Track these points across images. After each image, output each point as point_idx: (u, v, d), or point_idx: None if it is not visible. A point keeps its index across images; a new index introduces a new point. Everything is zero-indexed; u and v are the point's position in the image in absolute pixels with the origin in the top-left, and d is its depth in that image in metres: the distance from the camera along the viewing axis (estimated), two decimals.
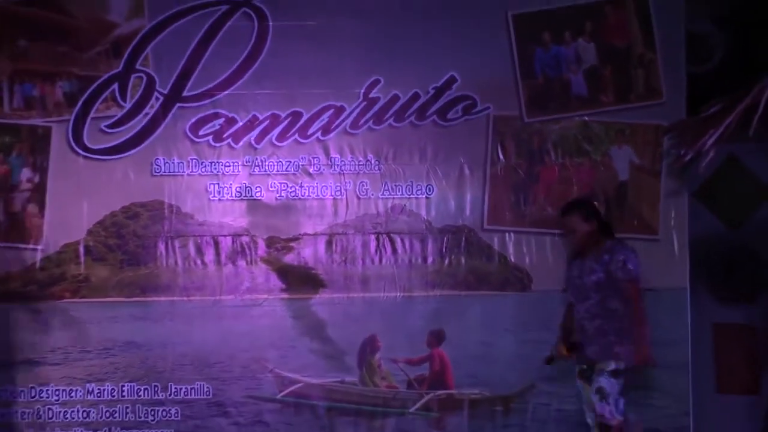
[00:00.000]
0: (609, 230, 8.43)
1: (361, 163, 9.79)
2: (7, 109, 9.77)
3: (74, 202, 9.69)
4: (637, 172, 9.82)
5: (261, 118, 9.76)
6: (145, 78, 9.73)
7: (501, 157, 9.79)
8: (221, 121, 9.75)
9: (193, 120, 9.74)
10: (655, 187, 9.77)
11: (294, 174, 9.80)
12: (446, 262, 9.76)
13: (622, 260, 8.14)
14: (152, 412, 9.60)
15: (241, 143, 9.76)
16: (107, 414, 9.59)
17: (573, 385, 9.05)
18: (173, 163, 9.74)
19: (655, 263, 9.45)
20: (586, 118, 9.82)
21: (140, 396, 9.61)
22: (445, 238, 9.76)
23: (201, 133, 9.74)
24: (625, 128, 9.81)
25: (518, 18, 9.77)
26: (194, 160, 9.75)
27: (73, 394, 9.60)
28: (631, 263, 8.16)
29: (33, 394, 9.59)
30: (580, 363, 8.28)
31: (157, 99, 9.73)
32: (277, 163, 9.78)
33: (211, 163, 9.76)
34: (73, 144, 9.69)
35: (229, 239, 9.79)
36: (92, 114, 9.71)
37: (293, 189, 9.79)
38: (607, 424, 8.05)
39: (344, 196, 9.77)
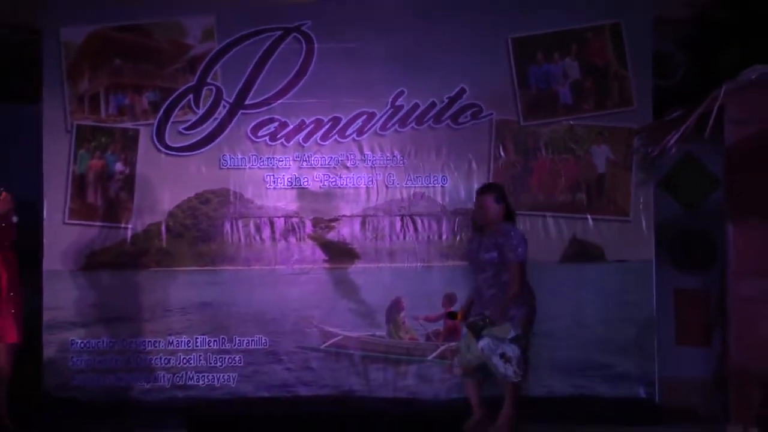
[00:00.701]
0: (511, 216, 8.56)
1: (388, 158, 9.96)
2: (103, 115, 9.90)
3: (157, 189, 9.90)
4: (612, 166, 9.91)
5: (308, 122, 9.92)
6: (214, 90, 9.93)
7: (502, 154, 9.90)
8: (276, 124, 9.92)
9: (253, 124, 9.91)
10: (627, 178, 9.88)
11: (334, 167, 9.96)
12: (458, 238, 9.86)
13: (515, 245, 8.28)
14: (220, 359, 9.80)
15: (291, 142, 9.94)
16: (184, 361, 9.78)
17: (560, 336, 9.64)
18: (237, 158, 9.92)
19: (626, 240, 9.83)
20: (571, 122, 9.93)
21: (210, 346, 9.80)
22: (457, 219, 9.89)
23: (259, 134, 9.92)
24: (603, 130, 9.92)
25: (516, 41, 9.88)
26: (254, 156, 9.94)
27: (157, 344, 9.79)
28: (521, 248, 8.30)
29: (125, 345, 9.78)
30: (476, 316, 8.33)
31: (224, 107, 9.91)
32: (321, 158, 9.96)
33: (267, 158, 9.94)
34: (157, 143, 9.90)
35: (282, 220, 9.94)
36: (172, 119, 9.92)
37: (334, 179, 9.96)
38: (511, 381, 8.19)
39: (375, 185, 9.93)
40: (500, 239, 8.32)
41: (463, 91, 9.93)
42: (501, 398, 8.37)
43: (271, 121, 9.97)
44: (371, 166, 9.99)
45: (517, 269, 8.29)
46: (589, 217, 9.90)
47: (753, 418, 8.68)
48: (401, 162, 9.99)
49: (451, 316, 8.73)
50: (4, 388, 8.97)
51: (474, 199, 8.78)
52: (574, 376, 9.75)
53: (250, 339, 9.85)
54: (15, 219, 8.94)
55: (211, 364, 9.83)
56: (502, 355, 8.19)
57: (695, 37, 10.58)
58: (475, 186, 9.73)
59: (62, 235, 9.84)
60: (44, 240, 9.79)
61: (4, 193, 8.89)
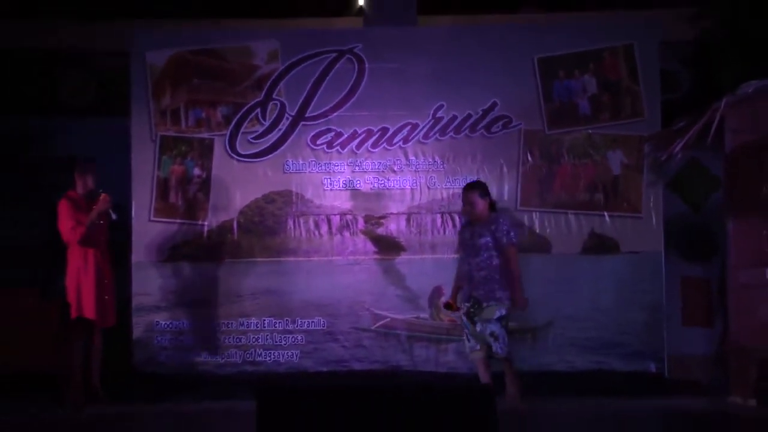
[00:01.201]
0: (494, 207, 8.59)
1: (430, 163, 9.99)
2: (183, 127, 10.00)
3: (230, 191, 9.97)
4: (626, 169, 9.92)
5: (360, 132, 9.99)
6: (279, 104, 10.00)
7: (529, 159, 9.95)
8: (332, 134, 9.99)
9: (312, 134, 9.98)
10: (639, 180, 9.89)
11: (383, 171, 10.01)
12: None
13: (506, 230, 8.36)
14: (284, 338, 9.89)
15: (346, 150, 10.00)
16: (253, 340, 9.86)
17: (581, 318, 9.75)
18: (298, 164, 9.99)
19: (639, 234, 9.86)
20: (590, 131, 9.97)
21: (276, 327, 9.87)
22: None
23: (318, 142, 10.00)
24: (617, 138, 9.94)
25: (541, 61, 9.97)
26: (313, 162, 10.00)
27: (230, 325, 9.87)
28: (513, 232, 8.43)
29: (202, 326, 9.86)
30: (467, 304, 8.40)
31: (287, 119, 9.99)
32: (371, 163, 10.02)
33: (325, 163, 10.00)
34: (229, 151, 9.98)
35: (337, 217, 9.97)
36: (242, 130, 9.99)
37: (383, 182, 10.02)
38: (501, 356, 8.29)
39: (418, 186, 9.96)
40: (492, 226, 8.37)
41: (495, 104, 10.00)
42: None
43: (328, 131, 10.04)
44: (415, 170, 10.03)
45: (513, 252, 8.38)
46: (605, 214, 9.98)
47: (751, 391, 8.86)
48: (441, 166, 10.03)
49: (448, 307, 8.61)
50: (97, 364, 9.24)
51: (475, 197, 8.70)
52: (593, 354, 9.81)
53: (310, 321, 9.92)
54: (114, 216, 9.17)
55: (276, 342, 9.91)
56: (492, 334, 8.28)
57: (698, 57, 10.75)
58: (506, 187, 9.98)
59: (148, 231, 9.93)
60: (133, 235, 9.89)
61: (103, 194, 9.11)
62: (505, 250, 8.37)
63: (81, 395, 9.05)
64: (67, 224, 9.19)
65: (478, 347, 8.49)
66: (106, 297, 9.19)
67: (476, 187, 8.64)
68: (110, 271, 9.33)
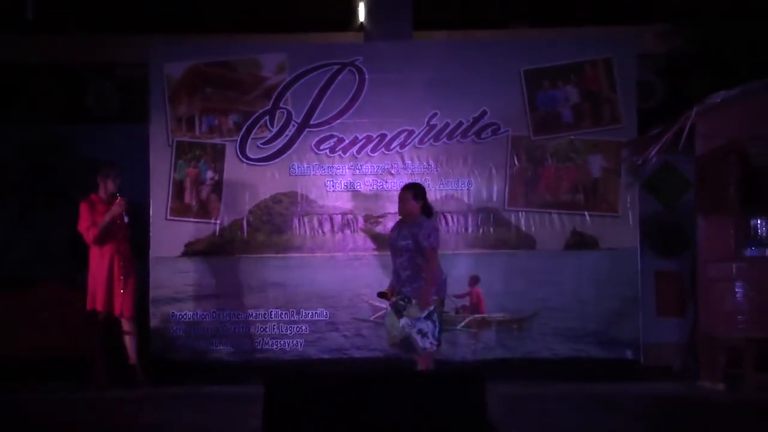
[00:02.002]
0: (428, 211, 8.28)
1: (425, 167, 9.93)
2: (197, 133, 9.94)
3: (240, 192, 9.92)
4: (605, 172, 9.89)
5: (360, 138, 9.93)
6: (285, 112, 9.95)
7: (516, 162, 9.90)
8: (334, 140, 9.93)
9: (316, 139, 9.93)
10: (617, 182, 9.86)
11: (381, 174, 9.96)
12: (480, 231, 9.87)
13: (428, 233, 8.05)
14: (290, 328, 9.84)
15: (347, 154, 9.95)
16: (261, 329, 9.83)
17: (563, 309, 9.74)
18: (303, 167, 9.94)
19: (616, 232, 9.83)
20: (572, 137, 9.93)
21: (282, 318, 9.81)
22: (480, 215, 9.88)
23: (321, 147, 9.95)
24: (597, 143, 9.89)
25: (527, 72, 9.92)
26: (317, 165, 9.95)
27: (239, 316, 9.83)
28: (433, 237, 8.08)
29: (214, 317, 9.83)
30: (397, 299, 8.12)
31: (293, 126, 9.93)
32: (371, 167, 9.96)
33: (328, 167, 9.95)
34: (240, 155, 9.93)
35: (339, 216, 9.92)
36: (252, 136, 9.94)
37: (381, 184, 9.96)
38: (429, 350, 8.02)
39: None
40: (415, 229, 8.11)
41: (485, 112, 9.96)
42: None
43: (331, 137, 9.99)
44: (411, 173, 9.92)
45: (429, 254, 8.07)
46: (586, 213, 9.94)
47: (719, 376, 8.89)
48: (435, 170, 9.97)
49: (381, 295, 8.33)
50: (133, 349, 9.26)
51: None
52: (575, 342, 9.79)
53: (313, 312, 9.87)
54: (126, 219, 9.17)
55: (282, 332, 9.87)
56: (420, 331, 8.03)
57: (671, 69, 10.78)
58: (495, 188, 9.93)
59: (165, 229, 9.90)
60: (150, 233, 9.87)
61: (119, 199, 9.12)
62: (424, 253, 8.09)
63: (104, 378, 9.06)
64: (82, 225, 9.24)
65: (398, 339, 8.23)
66: (122, 291, 9.15)
67: (411, 188, 8.38)
68: (127, 267, 9.26)
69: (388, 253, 9.35)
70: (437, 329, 8.06)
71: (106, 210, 9.17)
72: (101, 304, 9.12)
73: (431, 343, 8.05)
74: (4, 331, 9.59)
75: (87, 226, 9.16)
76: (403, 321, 8.07)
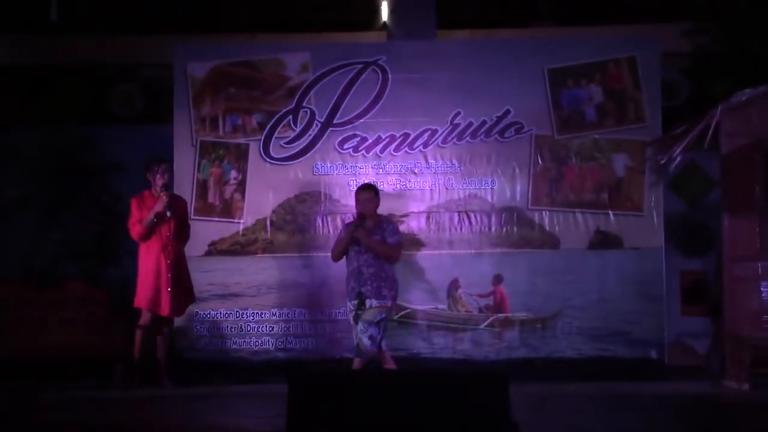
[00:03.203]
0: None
1: (448, 166, 9.92)
2: (221, 133, 9.94)
3: (263, 192, 9.91)
4: (629, 171, 9.87)
5: (383, 137, 9.92)
6: (309, 112, 9.95)
7: (540, 162, 9.89)
8: (358, 139, 9.94)
9: (340, 138, 9.93)
10: (641, 181, 9.83)
11: (405, 173, 9.94)
12: (504, 230, 9.85)
13: (394, 231, 8.61)
14: (313, 327, 9.81)
15: (370, 153, 9.95)
16: (284, 328, 9.80)
17: (588, 309, 9.72)
18: (327, 166, 9.94)
19: (641, 231, 9.79)
20: (596, 136, 9.91)
21: (305, 317, 9.80)
22: (503, 215, 9.86)
23: (345, 147, 9.94)
24: (621, 142, 9.88)
25: (551, 71, 9.92)
26: (340, 165, 9.94)
27: (263, 315, 9.82)
28: (399, 233, 8.68)
29: (238, 315, 9.82)
30: (354, 302, 8.43)
31: (317, 125, 9.93)
32: (394, 166, 9.95)
33: (351, 166, 9.94)
34: (263, 155, 9.93)
35: None
36: (275, 135, 9.94)
37: (404, 183, 9.95)
38: (367, 355, 8.36)
39: (437, 187, 9.89)
40: (383, 225, 8.53)
41: (508, 111, 9.93)
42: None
43: (354, 136, 9.99)
44: (434, 172, 9.96)
45: (398, 248, 8.62)
46: (610, 212, 9.90)
47: (744, 376, 8.80)
48: (458, 169, 9.97)
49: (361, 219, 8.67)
50: (162, 350, 9.22)
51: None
52: (599, 341, 9.75)
53: (336, 311, 9.78)
54: (169, 214, 9.03)
55: (306, 331, 9.85)
56: (370, 336, 8.35)
57: (696, 67, 10.77)
58: (518, 188, 9.93)
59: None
60: None
61: (161, 194, 9.02)
62: (393, 247, 8.54)
63: (134, 376, 9.06)
64: (130, 221, 9.14)
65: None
66: (168, 289, 9.04)
67: (373, 187, 8.77)
68: (174, 265, 9.11)
69: (411, 251, 9.75)
70: (381, 336, 8.50)
71: (153, 206, 9.05)
72: (143, 301, 9.02)
73: (371, 346, 8.42)
74: (31, 328, 9.62)
75: (133, 222, 9.07)
76: (360, 326, 8.42)
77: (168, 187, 9.16)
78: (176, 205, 9.16)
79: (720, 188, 9.68)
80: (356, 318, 8.47)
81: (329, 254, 9.17)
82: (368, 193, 8.66)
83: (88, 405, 8.31)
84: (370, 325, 8.39)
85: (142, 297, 9.05)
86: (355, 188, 9.44)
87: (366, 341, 8.39)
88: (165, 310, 9.07)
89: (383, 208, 9.60)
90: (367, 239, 8.53)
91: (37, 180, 11.07)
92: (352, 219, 8.92)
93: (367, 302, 8.45)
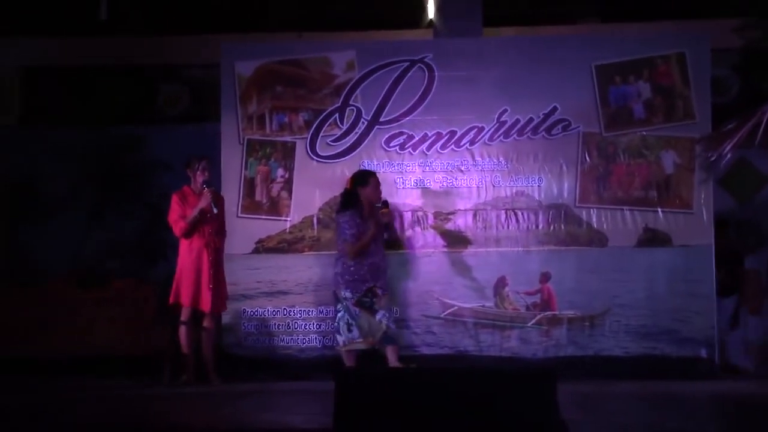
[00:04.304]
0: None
1: (495, 163, 9.85)
2: (268, 131, 9.94)
3: (310, 190, 9.89)
4: (678, 168, 9.78)
5: (430, 134, 9.86)
6: (355, 110, 9.92)
7: (587, 159, 9.80)
8: (404, 137, 9.88)
9: (386, 136, 9.89)
10: (691, 178, 9.74)
11: (451, 171, 9.87)
12: (551, 228, 9.79)
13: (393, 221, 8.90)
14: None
15: (417, 151, 9.88)
16: (331, 326, 9.38)
17: (636, 306, 9.64)
18: (373, 164, 9.81)
19: (690, 228, 9.70)
20: (644, 133, 9.83)
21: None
22: (551, 212, 9.80)
23: (391, 145, 9.90)
24: (670, 139, 9.79)
25: (598, 68, 9.82)
26: (386, 162, 9.88)
27: (310, 313, 9.77)
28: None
29: (285, 313, 9.81)
30: (357, 294, 8.54)
31: (363, 123, 9.90)
32: (440, 164, 9.88)
33: (397, 164, 9.90)
34: (310, 153, 9.93)
35: (409, 213, 9.84)
36: (322, 133, 9.92)
37: (451, 181, 9.88)
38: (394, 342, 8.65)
39: (484, 185, 9.82)
40: (385, 220, 8.71)
41: (555, 108, 9.86)
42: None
43: (401, 134, 9.95)
44: (481, 170, 9.90)
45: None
46: (659, 209, 9.82)
47: None
48: (505, 166, 9.90)
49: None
50: (208, 347, 9.31)
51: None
52: (647, 340, 9.66)
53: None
54: (215, 211, 9.16)
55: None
56: (388, 319, 8.60)
57: (746, 63, 10.73)
58: (566, 185, 9.89)
59: (236, 226, 9.84)
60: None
61: (205, 190, 9.13)
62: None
63: (181, 374, 9.16)
64: (172, 217, 9.24)
65: (362, 339, 8.67)
66: (210, 286, 9.15)
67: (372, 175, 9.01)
68: (215, 261, 9.25)
69: (458, 249, 9.79)
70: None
71: (196, 202, 9.16)
72: (185, 297, 9.12)
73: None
74: (78, 327, 9.72)
75: (175, 218, 9.17)
76: (380, 315, 8.58)
77: (211, 183, 9.27)
78: (219, 201, 9.27)
79: None
80: (364, 305, 8.52)
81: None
82: (377, 179, 8.86)
83: (135, 402, 8.40)
84: (389, 311, 8.60)
85: (184, 294, 9.15)
86: (402, 186, 9.65)
87: (393, 326, 8.55)
88: (207, 305, 9.15)
89: (431, 206, 9.83)
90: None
91: (85, 179, 11.14)
92: (358, 214, 8.87)
93: (379, 290, 8.70)
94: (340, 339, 8.77)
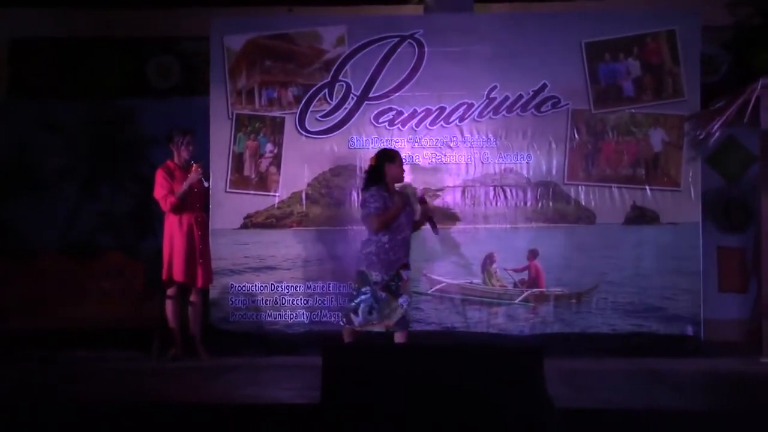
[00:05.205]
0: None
1: (484, 140, 9.81)
2: (257, 106, 9.92)
3: (299, 165, 9.88)
4: (667, 146, 9.73)
5: (419, 110, 9.82)
6: (345, 85, 9.89)
7: (576, 136, 9.76)
8: (393, 113, 9.85)
9: (375, 112, 9.86)
10: (679, 156, 9.69)
11: (440, 147, 9.84)
12: (540, 205, 9.77)
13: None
14: (347, 300, 9.39)
15: (406, 127, 9.85)
16: (319, 302, 9.76)
17: (623, 284, 9.63)
18: (362, 140, 9.86)
19: (678, 206, 9.69)
20: (633, 111, 9.77)
21: (340, 290, 9.69)
22: (539, 189, 9.78)
23: (380, 120, 9.87)
24: (659, 117, 9.74)
25: (588, 45, 9.77)
26: (376, 138, 9.84)
27: (298, 288, 9.82)
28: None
29: (272, 288, 9.83)
30: (385, 277, 8.23)
31: (353, 99, 9.86)
32: (429, 140, 9.84)
33: (386, 140, 9.80)
34: (299, 128, 9.89)
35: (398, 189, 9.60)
36: (311, 109, 9.88)
37: (440, 157, 9.85)
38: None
39: (473, 161, 9.78)
40: (408, 199, 8.47)
41: (545, 85, 9.82)
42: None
43: (390, 110, 9.91)
44: (470, 146, 9.86)
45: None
46: (647, 187, 9.80)
47: None
48: (494, 143, 9.86)
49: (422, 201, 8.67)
50: (196, 321, 9.32)
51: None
52: (634, 317, 9.67)
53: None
54: (207, 184, 9.24)
55: (340, 304, 9.62)
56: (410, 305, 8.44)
57: (736, 41, 10.64)
58: (554, 162, 9.86)
59: (224, 202, 9.89)
60: (210, 205, 9.79)
61: (195, 165, 9.11)
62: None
63: (170, 348, 9.18)
64: (159, 193, 9.20)
65: (379, 321, 8.37)
66: (201, 261, 9.17)
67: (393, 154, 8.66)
68: (206, 236, 9.32)
69: (446, 225, 9.69)
70: None
71: (183, 177, 9.14)
72: (179, 274, 9.11)
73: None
74: (69, 299, 9.68)
75: (164, 194, 9.14)
76: (403, 299, 8.30)
77: (199, 158, 9.28)
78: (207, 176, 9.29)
79: (760, 163, 9.60)
80: (391, 289, 8.25)
81: (364, 228, 9.20)
82: (401, 156, 8.66)
83: (124, 375, 8.40)
84: (410, 296, 8.47)
85: (177, 270, 9.11)
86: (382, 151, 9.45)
87: (410, 312, 8.45)
88: (199, 281, 9.14)
89: (419, 182, 9.67)
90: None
91: (76, 152, 11.06)
92: (384, 188, 8.49)
93: (404, 273, 8.35)
94: (356, 320, 8.34)
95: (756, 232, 9.89)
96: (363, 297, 8.31)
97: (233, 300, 9.87)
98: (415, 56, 9.91)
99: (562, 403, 5.35)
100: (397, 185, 8.52)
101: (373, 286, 8.26)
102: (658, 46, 9.83)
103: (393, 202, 8.32)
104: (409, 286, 8.46)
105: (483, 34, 9.94)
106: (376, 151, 8.86)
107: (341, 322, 8.62)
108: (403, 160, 8.74)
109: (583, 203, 9.84)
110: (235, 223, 9.95)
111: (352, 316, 8.36)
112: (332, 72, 9.96)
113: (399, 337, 8.36)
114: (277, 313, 9.87)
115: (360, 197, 8.67)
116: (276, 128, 10.00)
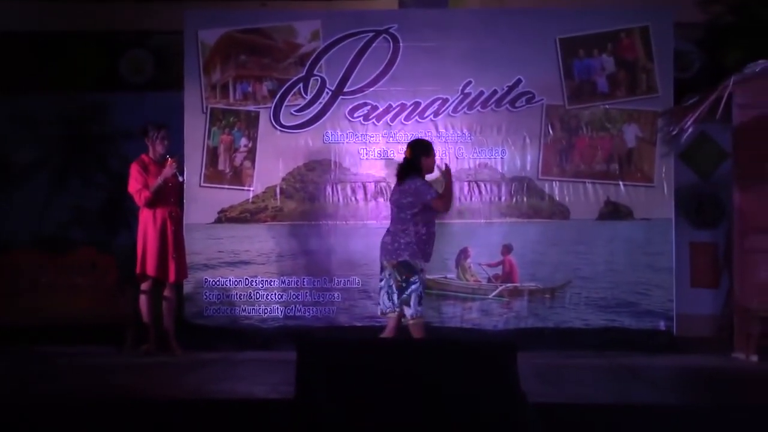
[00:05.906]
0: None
1: (459, 135, 9.81)
2: (231, 100, 9.89)
3: (273, 159, 9.86)
4: (640, 141, 9.75)
5: (394, 105, 9.82)
6: (319, 80, 9.86)
7: (550, 132, 9.78)
8: (368, 107, 9.84)
9: (350, 107, 9.84)
10: (652, 152, 9.73)
11: None
12: (514, 200, 9.78)
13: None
14: (322, 296, 9.76)
15: (381, 122, 9.84)
16: (294, 296, 9.74)
17: (596, 279, 9.65)
18: (337, 135, 9.85)
19: (651, 202, 9.73)
20: (607, 106, 9.79)
21: (315, 285, 9.76)
22: (513, 185, 9.78)
23: (355, 115, 9.85)
24: (632, 113, 9.77)
25: (563, 41, 9.78)
26: (350, 133, 9.86)
27: (272, 283, 9.81)
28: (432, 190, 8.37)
29: (246, 283, 9.80)
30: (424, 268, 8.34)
31: (327, 93, 9.84)
32: (404, 135, 9.68)
33: (361, 134, 9.85)
34: (273, 122, 9.86)
35: (372, 184, 9.86)
36: (285, 103, 9.85)
37: None
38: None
39: (448, 157, 9.60)
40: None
41: (519, 81, 9.82)
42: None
43: (365, 104, 9.90)
44: (445, 142, 9.82)
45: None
46: (620, 183, 9.82)
47: (753, 348, 8.89)
48: (469, 138, 9.86)
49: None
50: (169, 315, 9.28)
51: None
52: (607, 312, 9.70)
53: (346, 279, 9.81)
54: (181, 179, 9.25)
55: (315, 299, 9.79)
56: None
57: (709, 38, 10.65)
58: (528, 158, 9.88)
59: (198, 196, 9.85)
60: (184, 200, 9.73)
61: (170, 160, 9.08)
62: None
63: (143, 342, 9.17)
64: (134, 187, 9.17)
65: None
66: (174, 255, 9.15)
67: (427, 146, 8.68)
68: (179, 231, 9.30)
69: None
70: None
71: (158, 172, 9.11)
72: (153, 268, 9.08)
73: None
74: (41, 294, 9.63)
75: (138, 188, 9.12)
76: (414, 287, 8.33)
77: (174, 152, 9.26)
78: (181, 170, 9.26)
79: (732, 160, 9.67)
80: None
81: (338, 222, 9.32)
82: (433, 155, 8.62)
83: (97, 370, 8.35)
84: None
85: (150, 264, 9.08)
86: (366, 157, 9.65)
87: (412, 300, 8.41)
88: (172, 276, 9.11)
89: (392, 177, 9.54)
90: None
91: (48, 146, 11.00)
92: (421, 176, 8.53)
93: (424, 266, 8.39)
94: (409, 312, 8.25)
95: (728, 228, 9.96)
96: (413, 286, 8.25)
97: (207, 295, 9.84)
98: (390, 51, 9.90)
99: (535, 398, 5.36)
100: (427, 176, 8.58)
101: (421, 274, 8.30)
102: (632, 43, 9.85)
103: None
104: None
105: (458, 30, 9.94)
106: (409, 141, 8.90)
107: (394, 312, 8.40)
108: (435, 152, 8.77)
109: (557, 199, 9.85)
110: (209, 218, 9.91)
111: (404, 309, 8.24)
112: (307, 66, 9.94)
113: (394, 325, 8.40)
114: (252, 307, 9.85)
115: (398, 188, 8.55)
116: (250, 122, 9.95)
